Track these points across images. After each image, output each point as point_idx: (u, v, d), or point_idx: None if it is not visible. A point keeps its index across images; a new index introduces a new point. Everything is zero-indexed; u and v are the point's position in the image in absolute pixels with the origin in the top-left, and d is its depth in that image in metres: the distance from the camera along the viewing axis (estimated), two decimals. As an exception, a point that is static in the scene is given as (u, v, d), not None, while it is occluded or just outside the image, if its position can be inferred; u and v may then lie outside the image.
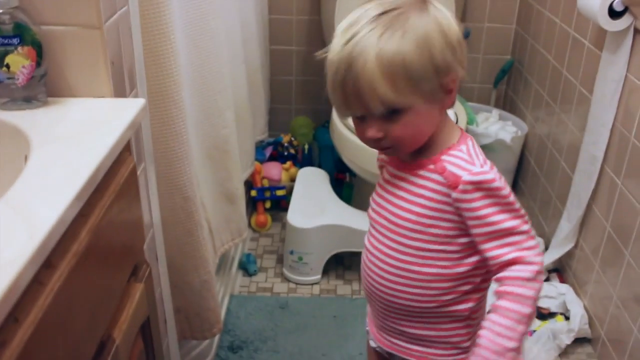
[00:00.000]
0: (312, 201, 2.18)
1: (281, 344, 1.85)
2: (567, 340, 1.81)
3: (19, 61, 0.93)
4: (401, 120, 0.92)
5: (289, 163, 2.54)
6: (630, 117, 1.63)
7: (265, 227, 2.39)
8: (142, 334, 1.05)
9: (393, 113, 0.91)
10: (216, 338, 1.81)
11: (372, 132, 0.94)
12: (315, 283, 2.13)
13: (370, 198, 1.08)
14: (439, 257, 0.99)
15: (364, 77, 0.88)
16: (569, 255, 2.01)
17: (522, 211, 0.95)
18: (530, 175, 2.44)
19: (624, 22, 1.61)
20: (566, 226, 1.96)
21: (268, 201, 2.39)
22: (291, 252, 2.09)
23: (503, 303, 0.93)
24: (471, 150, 0.96)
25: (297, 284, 2.12)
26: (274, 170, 2.46)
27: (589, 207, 1.87)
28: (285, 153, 2.61)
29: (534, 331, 1.86)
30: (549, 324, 1.89)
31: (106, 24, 0.97)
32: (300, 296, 2.07)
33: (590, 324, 1.85)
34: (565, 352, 1.83)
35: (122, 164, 0.96)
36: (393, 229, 1.01)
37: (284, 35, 2.68)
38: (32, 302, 0.66)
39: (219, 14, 1.51)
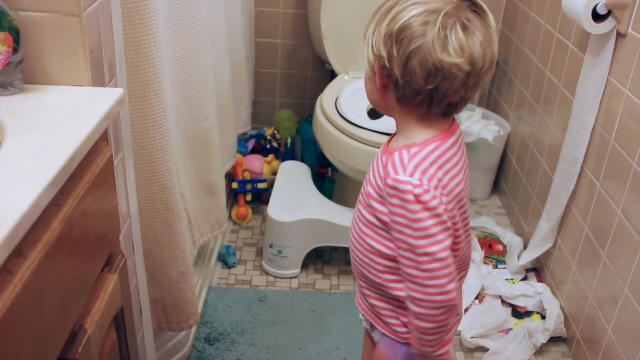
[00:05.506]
0: (293, 195, 2.18)
1: (258, 337, 1.85)
2: (542, 339, 1.82)
3: (-4, 47, 0.92)
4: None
5: (271, 156, 2.54)
6: (611, 119, 1.64)
7: (246, 220, 2.39)
8: (115, 325, 1.05)
9: None
10: (193, 330, 1.80)
11: None
12: (294, 277, 2.13)
13: None
14: (381, 233, 1.05)
15: None
16: (547, 255, 2.03)
17: (439, 244, 0.97)
18: (511, 175, 2.45)
19: (607, 25, 1.62)
20: (545, 226, 1.97)
21: (249, 194, 2.39)
22: (271, 246, 2.09)
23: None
24: (415, 158, 0.97)
25: (276, 277, 2.12)
26: (256, 163, 2.45)
27: (568, 208, 1.88)
28: (268, 146, 2.61)
29: (510, 329, 1.87)
30: (525, 322, 1.90)
31: (86, 12, 0.96)
32: (279, 290, 2.07)
33: (566, 323, 1.86)
34: (540, 351, 1.85)
35: (98, 154, 0.95)
36: (360, 199, 1.09)
37: (270, 28, 2.67)
38: (0, 292, 0.65)
39: (204, 4, 1.50)
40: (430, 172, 0.97)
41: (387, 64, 0.95)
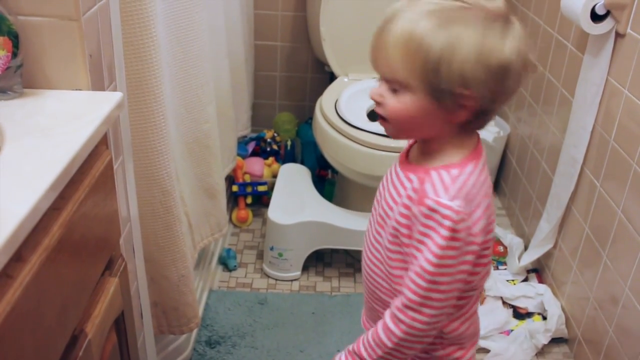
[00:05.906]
0: (294, 198, 2.18)
1: (259, 339, 1.85)
2: (544, 340, 1.82)
3: (-5, 51, 0.92)
4: (399, 97, 0.91)
5: (271, 159, 2.54)
6: (610, 120, 1.64)
7: (246, 223, 2.39)
8: (116, 328, 1.05)
9: (398, 86, 0.91)
10: (194, 333, 1.80)
11: (375, 91, 0.94)
12: (295, 279, 2.13)
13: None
14: (400, 258, 0.99)
15: (390, 38, 0.89)
16: (547, 255, 2.02)
17: (450, 275, 0.93)
18: (511, 176, 2.45)
19: (606, 25, 1.62)
20: (546, 227, 1.97)
21: (249, 197, 2.39)
22: (271, 248, 2.09)
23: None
24: (457, 180, 0.92)
25: (276, 280, 2.12)
26: (256, 166, 2.45)
27: (568, 209, 1.88)
28: (268, 149, 2.61)
29: (512, 330, 1.87)
30: (526, 323, 1.90)
31: (85, 16, 0.96)
32: (280, 292, 2.07)
33: (567, 324, 1.86)
34: (541, 351, 1.84)
35: (98, 158, 0.95)
36: (378, 220, 1.03)
37: (269, 31, 2.68)
38: (0, 296, 0.65)
39: (203, 7, 1.50)
40: (471, 195, 0.92)
41: (488, 97, 0.89)
